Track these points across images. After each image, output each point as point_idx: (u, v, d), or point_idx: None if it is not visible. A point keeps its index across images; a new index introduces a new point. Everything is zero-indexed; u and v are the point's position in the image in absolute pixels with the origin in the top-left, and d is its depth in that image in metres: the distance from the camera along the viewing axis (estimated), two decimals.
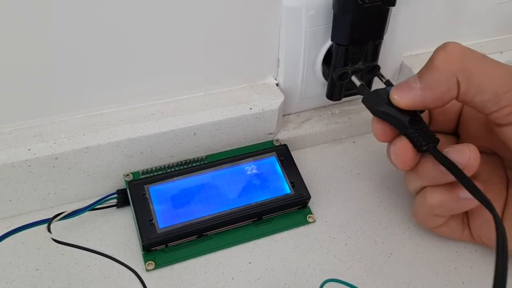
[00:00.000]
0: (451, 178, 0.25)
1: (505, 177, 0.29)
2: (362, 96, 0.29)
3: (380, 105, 0.27)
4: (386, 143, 0.28)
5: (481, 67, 0.25)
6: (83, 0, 0.25)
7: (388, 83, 0.30)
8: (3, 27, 0.25)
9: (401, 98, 0.26)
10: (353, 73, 0.32)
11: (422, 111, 0.28)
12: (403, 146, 0.26)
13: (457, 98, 0.25)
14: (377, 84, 0.32)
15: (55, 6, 0.25)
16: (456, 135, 0.31)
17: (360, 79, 0.32)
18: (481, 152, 0.30)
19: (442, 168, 0.25)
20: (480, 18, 0.39)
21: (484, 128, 0.28)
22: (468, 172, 0.25)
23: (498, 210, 0.27)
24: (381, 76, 0.32)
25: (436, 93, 0.25)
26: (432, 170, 0.26)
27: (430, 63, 0.26)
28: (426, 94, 0.25)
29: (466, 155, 0.25)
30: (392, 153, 0.27)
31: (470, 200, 0.25)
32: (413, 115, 0.27)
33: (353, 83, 0.32)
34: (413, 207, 0.30)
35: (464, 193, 0.25)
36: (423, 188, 0.28)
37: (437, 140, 0.26)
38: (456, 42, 0.25)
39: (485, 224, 0.28)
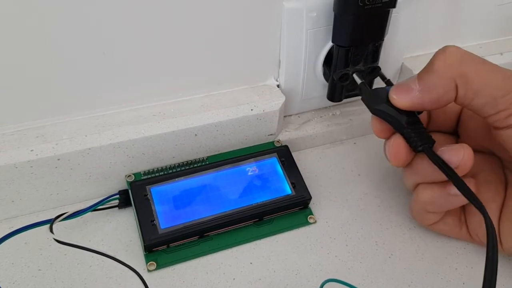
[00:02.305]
0: (444, 176, 0.26)
1: (504, 177, 0.29)
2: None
3: (379, 104, 0.27)
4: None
5: (479, 71, 0.25)
6: (85, 2, 0.26)
7: (389, 83, 0.31)
8: (5, 29, 0.25)
9: (399, 99, 0.26)
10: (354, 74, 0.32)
11: (420, 112, 0.28)
12: (398, 144, 0.27)
13: (455, 101, 0.26)
14: (378, 85, 0.32)
15: (57, 7, 0.25)
16: (456, 134, 0.31)
17: (361, 78, 0.32)
18: (480, 152, 0.30)
19: (435, 167, 0.26)
20: (480, 20, 0.39)
21: (483, 129, 0.29)
22: (461, 172, 0.25)
23: (496, 210, 0.28)
24: (382, 76, 0.32)
25: (434, 95, 0.26)
26: (426, 168, 0.27)
27: (429, 66, 0.26)
28: (424, 96, 0.26)
29: (459, 155, 0.25)
30: (387, 149, 0.28)
31: (460, 197, 0.26)
32: (411, 115, 0.27)
33: (354, 82, 0.32)
34: (409, 204, 0.31)
35: (454, 190, 0.26)
36: (418, 184, 0.29)
37: (433, 141, 0.27)
38: (456, 46, 0.26)
39: (482, 222, 0.28)
